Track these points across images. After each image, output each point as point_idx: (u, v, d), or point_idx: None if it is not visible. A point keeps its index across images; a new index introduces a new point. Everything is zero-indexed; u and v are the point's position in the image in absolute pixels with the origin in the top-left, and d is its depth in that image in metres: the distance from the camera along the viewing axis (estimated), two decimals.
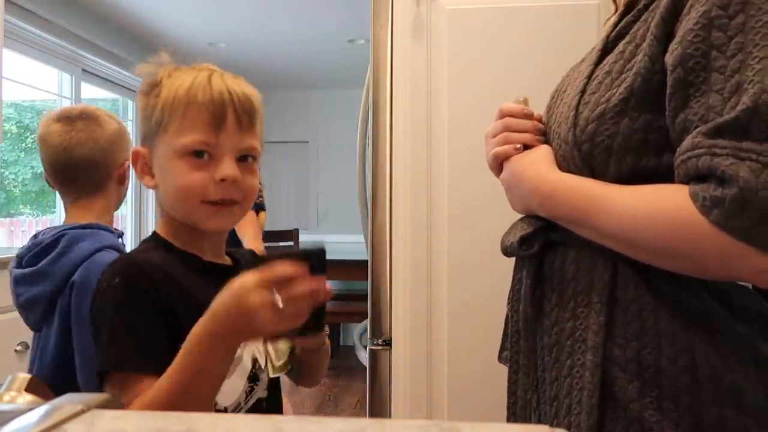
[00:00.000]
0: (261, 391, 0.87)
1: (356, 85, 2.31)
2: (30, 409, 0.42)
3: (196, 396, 0.70)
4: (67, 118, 1.30)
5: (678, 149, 0.66)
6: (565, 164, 0.79)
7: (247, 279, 0.69)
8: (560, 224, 0.78)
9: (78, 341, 1.20)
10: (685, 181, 0.65)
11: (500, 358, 0.91)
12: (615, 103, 0.71)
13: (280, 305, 0.69)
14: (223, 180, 0.82)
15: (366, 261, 1.76)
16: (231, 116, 0.83)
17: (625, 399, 0.70)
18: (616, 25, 0.80)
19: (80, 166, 1.29)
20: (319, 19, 4.09)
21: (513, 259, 0.88)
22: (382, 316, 1.67)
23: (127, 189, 1.39)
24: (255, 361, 0.87)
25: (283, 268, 0.69)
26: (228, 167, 0.82)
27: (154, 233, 0.89)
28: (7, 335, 2.46)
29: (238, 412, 0.83)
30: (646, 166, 0.71)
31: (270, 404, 0.88)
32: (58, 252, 1.22)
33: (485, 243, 1.66)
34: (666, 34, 0.69)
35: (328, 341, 0.92)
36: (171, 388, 0.70)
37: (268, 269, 0.69)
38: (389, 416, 1.66)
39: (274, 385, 0.90)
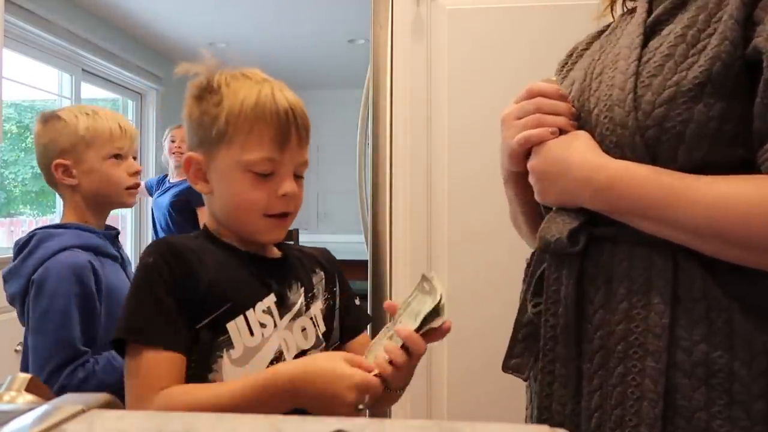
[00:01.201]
0: None
1: (356, 85, 2.31)
2: (30, 409, 0.42)
3: None
4: (36, 120, 1.32)
5: None
6: (618, 151, 0.72)
7: (349, 374, 0.75)
8: (615, 217, 0.72)
9: (31, 340, 1.21)
10: None
11: (506, 367, 0.83)
12: (689, 87, 0.67)
13: (360, 407, 0.75)
14: (284, 195, 0.86)
15: (366, 261, 1.76)
16: (294, 133, 0.86)
17: (689, 408, 0.65)
18: (650, 11, 0.77)
19: (40, 167, 1.31)
20: (319, 19, 4.08)
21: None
22: (383, 316, 1.67)
23: (94, 185, 1.30)
24: (280, 353, 0.85)
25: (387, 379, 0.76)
26: (289, 183, 0.87)
27: (204, 226, 0.93)
28: (7, 335, 2.46)
29: None
30: (717, 157, 0.66)
31: None
32: (27, 251, 1.24)
33: (486, 242, 1.66)
34: (746, 18, 0.66)
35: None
36: (220, 405, 0.75)
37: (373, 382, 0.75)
38: (389, 416, 1.66)
39: None
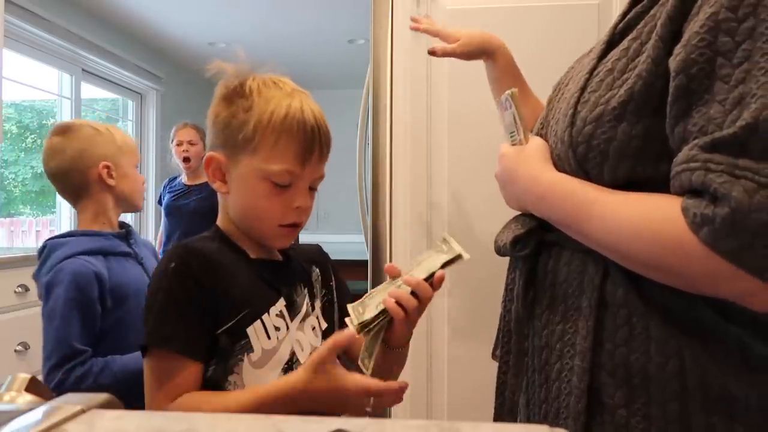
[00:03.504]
0: None
1: (356, 85, 2.31)
2: (30, 409, 0.42)
3: None
4: (51, 133, 1.46)
5: (674, 159, 0.63)
6: (560, 164, 0.75)
7: (348, 383, 0.78)
8: (554, 225, 0.76)
9: (43, 336, 1.33)
10: (680, 193, 0.62)
11: (494, 355, 0.90)
12: (614, 106, 0.68)
13: (368, 409, 0.77)
14: (297, 207, 0.89)
15: (366, 261, 1.76)
16: (317, 149, 0.89)
17: (612, 405, 0.69)
18: (625, 15, 0.76)
19: (54, 177, 1.44)
20: (319, 19, 4.09)
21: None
22: None
23: (127, 187, 1.47)
24: (293, 354, 0.89)
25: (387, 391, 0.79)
26: (304, 196, 0.90)
27: (216, 226, 0.95)
28: (7, 335, 2.47)
29: None
30: (642, 174, 0.68)
31: None
32: (41, 261, 1.39)
33: (485, 242, 1.66)
34: (672, 35, 0.65)
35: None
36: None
37: (373, 384, 0.78)
38: (389, 416, 1.66)
39: None
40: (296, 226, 0.91)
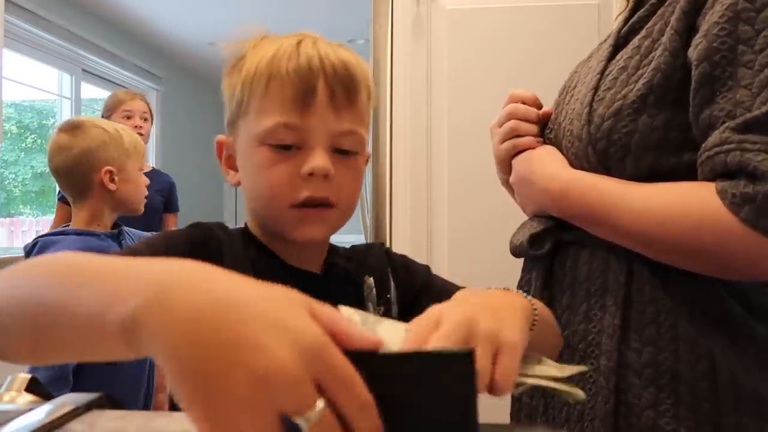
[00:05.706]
0: None
1: None
2: (30, 409, 0.42)
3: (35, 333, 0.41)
4: (59, 129, 1.45)
5: (703, 145, 0.63)
6: (578, 162, 0.75)
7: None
8: (575, 223, 0.75)
9: None
10: (711, 178, 0.62)
11: None
12: (633, 100, 0.68)
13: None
14: (311, 174, 0.64)
15: None
16: (322, 89, 0.64)
17: (639, 406, 0.67)
18: (627, 20, 0.78)
19: (58, 174, 1.43)
20: (319, 19, 4.09)
21: (514, 258, 0.86)
22: None
23: (128, 192, 1.46)
24: None
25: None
26: (318, 157, 0.64)
27: (245, 226, 0.74)
28: None
29: None
30: (665, 165, 0.68)
31: None
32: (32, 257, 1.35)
33: (485, 242, 1.66)
34: (687, 29, 0.67)
35: None
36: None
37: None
38: None
39: None
40: (319, 207, 0.65)
